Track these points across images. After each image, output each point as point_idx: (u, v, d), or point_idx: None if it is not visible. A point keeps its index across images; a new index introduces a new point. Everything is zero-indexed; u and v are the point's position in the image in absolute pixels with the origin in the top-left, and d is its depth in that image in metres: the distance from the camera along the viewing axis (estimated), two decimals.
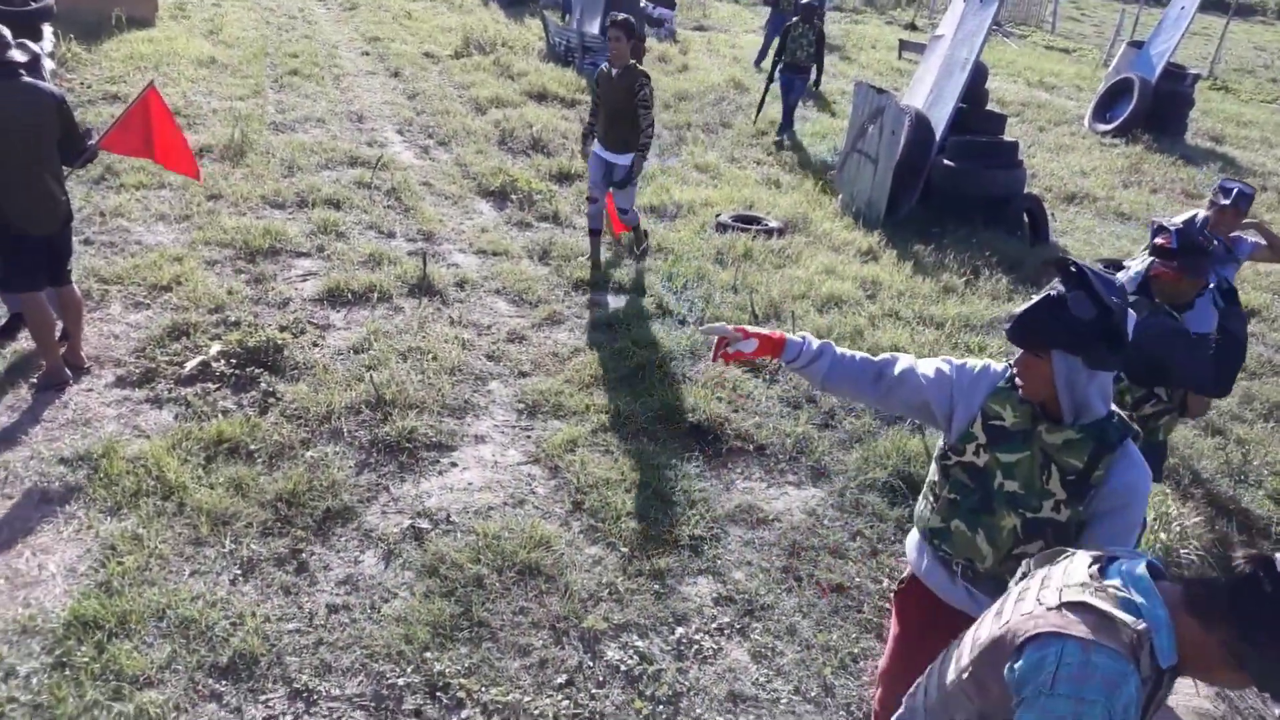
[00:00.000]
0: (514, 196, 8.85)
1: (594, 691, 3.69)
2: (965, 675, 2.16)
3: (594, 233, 7.43)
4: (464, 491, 4.74)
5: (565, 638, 3.92)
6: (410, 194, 8.64)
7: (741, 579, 4.41)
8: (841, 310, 7.09)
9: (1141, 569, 2.06)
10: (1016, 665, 2.03)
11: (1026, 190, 9.59)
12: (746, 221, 8.71)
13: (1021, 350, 2.54)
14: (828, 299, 7.25)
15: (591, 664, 3.81)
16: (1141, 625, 1.94)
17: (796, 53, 12.06)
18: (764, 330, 2.89)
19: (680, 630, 4.06)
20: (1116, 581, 2.04)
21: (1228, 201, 5.10)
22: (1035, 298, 2.50)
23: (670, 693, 3.74)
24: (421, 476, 4.81)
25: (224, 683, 3.50)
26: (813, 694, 3.84)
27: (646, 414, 5.56)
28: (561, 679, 3.72)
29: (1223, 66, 22.80)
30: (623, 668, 3.81)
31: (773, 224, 8.70)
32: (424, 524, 4.45)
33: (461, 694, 3.58)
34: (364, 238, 7.64)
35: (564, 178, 9.59)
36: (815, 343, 2.91)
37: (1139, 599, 1.98)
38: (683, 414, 5.54)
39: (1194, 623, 1.95)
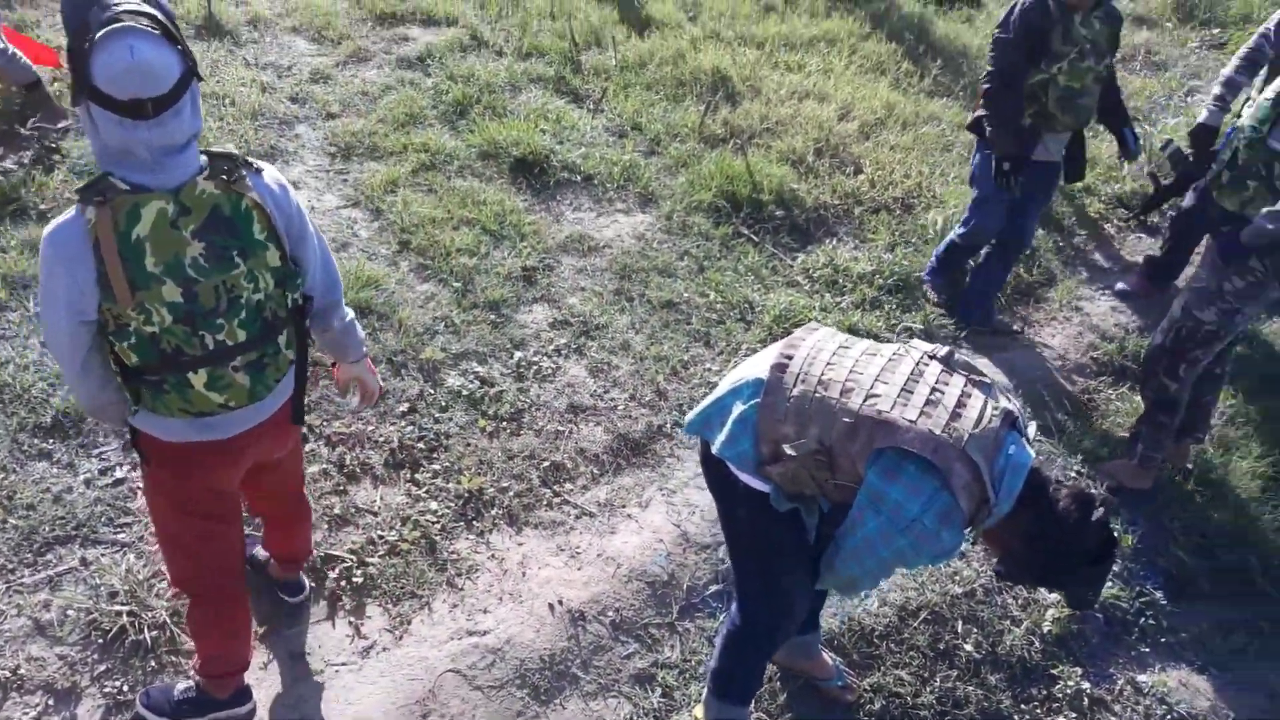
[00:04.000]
0: None
1: (437, 416, 3.77)
2: (849, 419, 2.24)
3: None
4: None
5: (404, 370, 3.94)
6: None
7: (576, 303, 4.50)
8: (663, 33, 6.91)
9: (1027, 464, 2.21)
10: (895, 468, 2.18)
11: None
12: None
13: None
14: (649, 22, 7.04)
15: (432, 391, 3.88)
16: (994, 510, 2.19)
17: None
18: None
19: (519, 354, 4.15)
20: (1003, 458, 2.19)
21: None
22: None
23: (512, 410, 3.86)
24: None
25: (51, 441, 3.40)
26: (647, 399, 4.05)
27: (469, 151, 5.39)
28: (404, 407, 3.78)
29: None
30: (464, 392, 3.89)
31: None
32: None
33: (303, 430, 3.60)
34: None
35: None
36: None
37: (1005, 487, 2.19)
38: (507, 149, 5.40)
39: (1012, 513, 2.23)
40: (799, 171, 5.64)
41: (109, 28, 1.89)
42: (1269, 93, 3.50)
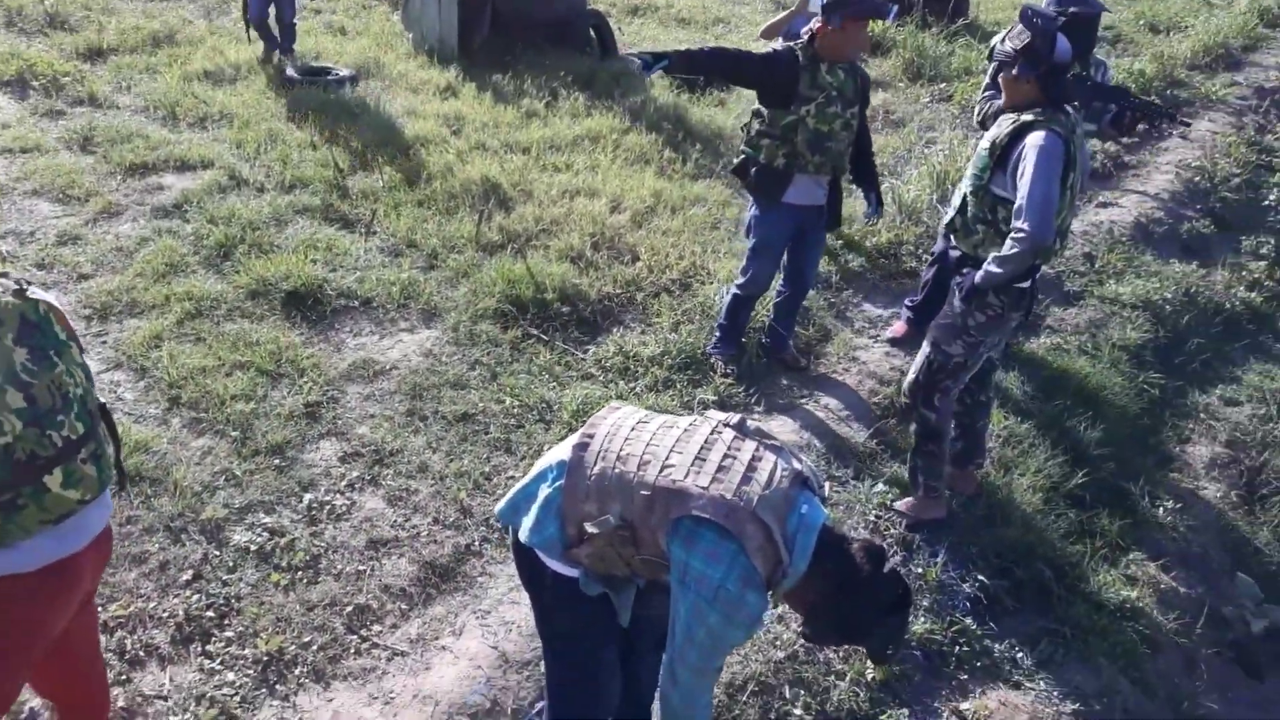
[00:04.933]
0: (36, 83, 7.67)
1: (225, 578, 3.55)
2: (646, 491, 2.26)
3: None
4: None
5: (184, 534, 3.70)
6: None
7: (366, 432, 4.37)
8: (428, 150, 6.96)
9: (819, 523, 2.29)
10: (692, 536, 2.21)
11: (590, 7, 9.77)
12: (315, 74, 8.19)
13: None
14: (413, 140, 7.07)
15: (218, 552, 3.65)
16: (789, 570, 2.25)
17: None
18: None
19: (309, 496, 3.98)
20: (795, 518, 2.26)
21: None
22: None
23: (307, 557, 3.68)
24: None
25: None
26: (451, 519, 3.95)
27: (237, 293, 5.22)
28: (187, 575, 3.53)
29: None
30: (253, 547, 3.68)
31: (344, 72, 8.24)
32: None
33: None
34: None
35: (95, 54, 8.44)
36: None
37: (799, 547, 2.25)
38: (276, 284, 5.25)
39: (808, 571, 2.27)
40: (579, 267, 5.74)
41: None
42: (985, 143, 3.78)
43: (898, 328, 5.50)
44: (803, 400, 4.93)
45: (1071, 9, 4.70)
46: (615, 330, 5.31)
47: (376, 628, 3.48)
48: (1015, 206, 3.50)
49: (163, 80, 7.92)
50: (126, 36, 8.78)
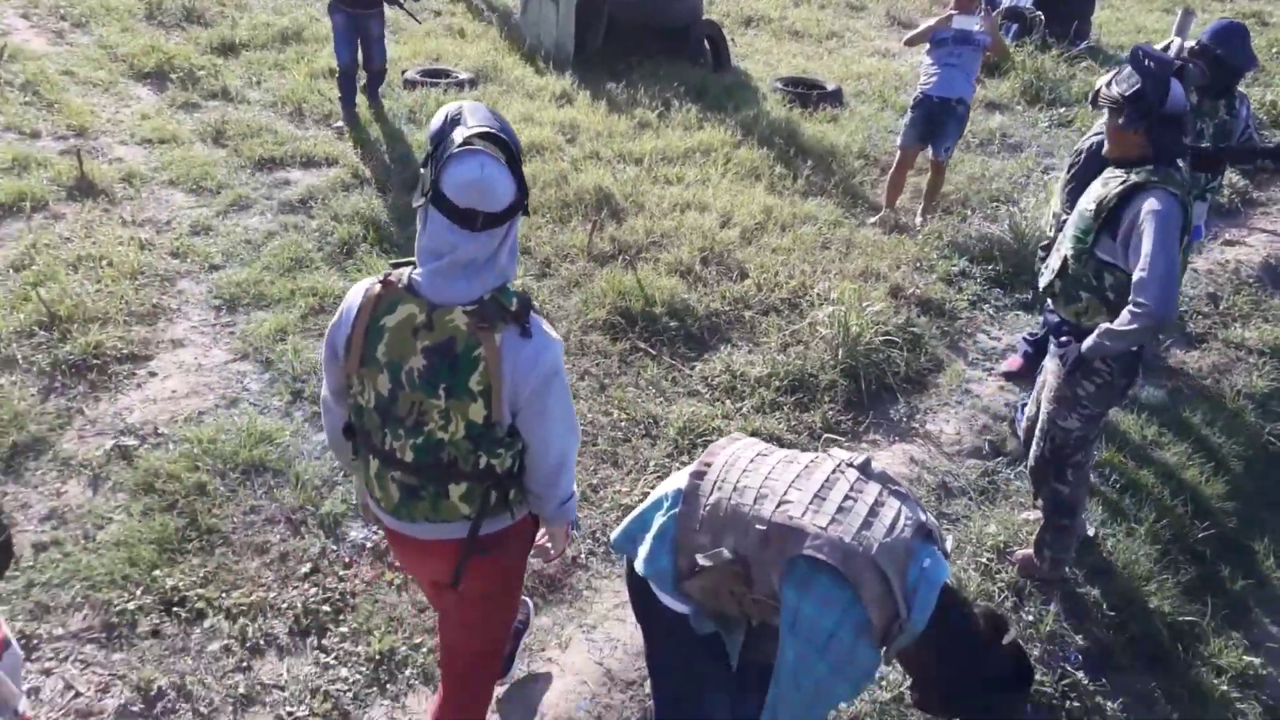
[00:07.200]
0: (174, 76, 8.02)
1: (341, 573, 3.65)
2: (761, 526, 2.21)
3: None
4: (169, 401, 4.43)
5: (304, 527, 3.82)
6: (50, 86, 7.62)
7: None
8: (544, 157, 7.05)
9: (941, 579, 2.19)
10: (807, 579, 2.14)
11: (705, 17, 9.77)
12: (435, 75, 8.37)
13: None
14: (529, 147, 7.16)
15: (335, 547, 3.76)
16: (905, 625, 2.15)
17: None
18: None
19: None
20: (916, 570, 2.17)
21: None
22: None
23: None
24: (118, 393, 4.43)
25: None
26: None
27: None
28: (306, 568, 3.64)
29: None
30: (368, 544, 3.78)
31: (463, 75, 8.42)
32: (130, 441, 4.13)
33: (201, 604, 3.43)
34: (0, 141, 6.70)
35: (228, 49, 8.77)
36: None
37: (919, 602, 2.15)
38: None
39: (925, 632, 2.18)
40: (688, 281, 5.75)
41: (466, 146, 2.10)
42: (1088, 202, 3.45)
43: (1013, 361, 5.37)
44: (914, 432, 4.86)
45: (1218, 51, 4.51)
46: (723, 348, 5.30)
47: None
48: (1135, 279, 3.18)
49: (290, 77, 8.19)
50: (258, 32, 9.11)
